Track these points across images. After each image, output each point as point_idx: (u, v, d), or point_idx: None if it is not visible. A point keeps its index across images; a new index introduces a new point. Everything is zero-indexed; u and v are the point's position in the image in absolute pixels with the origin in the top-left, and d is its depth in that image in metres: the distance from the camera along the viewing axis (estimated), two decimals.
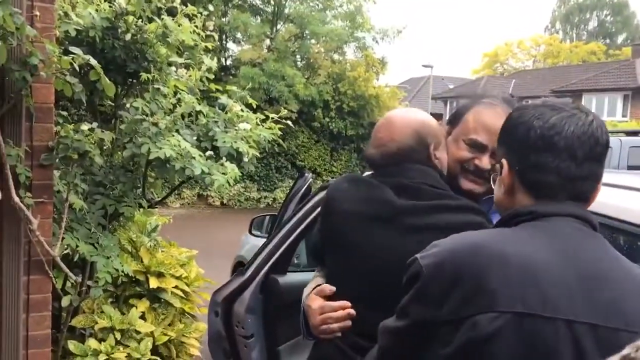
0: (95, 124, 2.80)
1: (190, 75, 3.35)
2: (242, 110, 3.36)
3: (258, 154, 3.29)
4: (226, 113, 3.31)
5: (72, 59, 2.43)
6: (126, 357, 3.20)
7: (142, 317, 3.53)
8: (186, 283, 3.92)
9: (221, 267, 5.18)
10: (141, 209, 3.31)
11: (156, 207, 3.65)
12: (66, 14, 2.83)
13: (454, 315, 1.05)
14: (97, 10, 2.97)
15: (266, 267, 2.67)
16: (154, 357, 3.38)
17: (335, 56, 16.47)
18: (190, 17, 3.22)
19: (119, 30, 3.03)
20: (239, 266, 4.58)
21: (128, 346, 3.28)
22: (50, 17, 2.51)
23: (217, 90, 3.45)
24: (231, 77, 14.88)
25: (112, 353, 3.15)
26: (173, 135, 2.93)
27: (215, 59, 3.50)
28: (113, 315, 3.34)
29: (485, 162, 1.72)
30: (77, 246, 2.76)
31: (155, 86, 3.03)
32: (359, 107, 15.59)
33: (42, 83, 2.49)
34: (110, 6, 3.02)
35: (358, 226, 1.62)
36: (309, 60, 16.31)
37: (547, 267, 1.06)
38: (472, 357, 1.04)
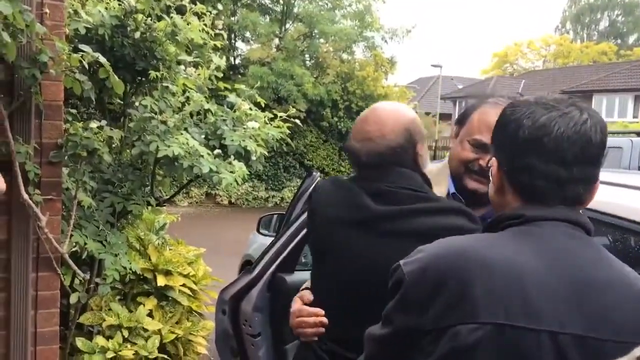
0: (104, 122, 2.80)
1: (199, 74, 3.36)
2: (250, 109, 3.36)
3: (266, 153, 3.29)
4: (235, 112, 3.31)
5: (82, 56, 2.44)
6: (133, 354, 3.21)
7: (150, 314, 3.54)
8: (194, 281, 3.92)
9: (228, 265, 5.18)
10: (149, 207, 3.32)
11: (164, 206, 3.66)
12: (76, 12, 2.83)
13: (435, 325, 1.02)
14: (106, 8, 2.98)
15: (274, 266, 2.66)
16: (161, 354, 3.39)
17: (344, 56, 16.44)
18: (200, 16, 3.22)
19: (128, 29, 3.04)
20: (247, 265, 4.58)
21: (135, 344, 3.29)
22: (60, 14, 2.52)
23: (226, 88, 3.45)
24: (240, 76, 14.90)
25: (120, 350, 3.16)
26: (182, 134, 2.94)
27: (224, 58, 3.50)
28: (121, 312, 3.35)
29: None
30: (85, 243, 2.77)
31: (164, 84, 3.03)
32: (367, 106, 15.47)
33: (52, 80, 2.50)
34: (119, 4, 3.02)
35: (336, 232, 1.60)
36: (317, 60, 16.29)
37: (534, 275, 1.01)
38: None
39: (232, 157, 3.09)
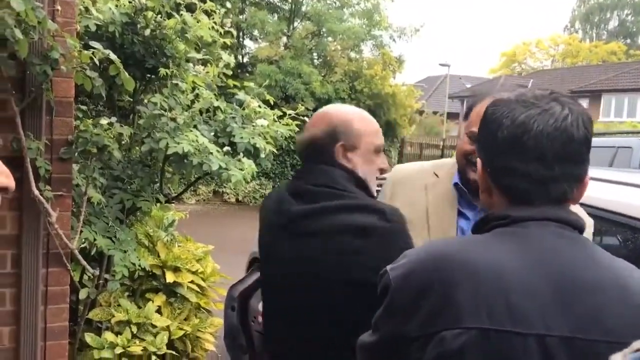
0: (114, 119, 2.82)
1: (208, 72, 3.37)
2: (259, 107, 3.37)
3: (275, 151, 3.30)
4: (244, 109, 3.32)
5: (92, 53, 2.45)
6: (142, 350, 3.22)
7: (158, 311, 3.55)
8: (202, 278, 3.93)
9: (235, 263, 5.19)
10: (158, 204, 3.33)
11: (173, 203, 3.67)
12: (87, 9, 2.85)
13: (422, 332, 1.00)
14: (117, 5, 3.00)
15: None
16: (169, 351, 3.40)
17: (352, 54, 16.42)
18: (209, 14, 3.23)
19: (138, 26, 3.05)
20: (254, 262, 4.59)
21: (144, 340, 3.31)
22: (71, 11, 2.53)
23: (235, 86, 3.46)
24: (248, 74, 14.92)
25: (128, 346, 3.18)
26: (191, 131, 2.95)
27: (233, 56, 3.51)
28: (129, 308, 3.36)
29: None
30: (94, 240, 2.79)
31: (174, 82, 3.04)
32: (375, 105, 15.53)
33: (63, 77, 2.51)
34: (130, 2, 3.04)
35: (269, 238, 1.65)
36: (325, 58, 16.28)
37: (519, 278, 0.99)
38: None
39: (241, 154, 3.10)
